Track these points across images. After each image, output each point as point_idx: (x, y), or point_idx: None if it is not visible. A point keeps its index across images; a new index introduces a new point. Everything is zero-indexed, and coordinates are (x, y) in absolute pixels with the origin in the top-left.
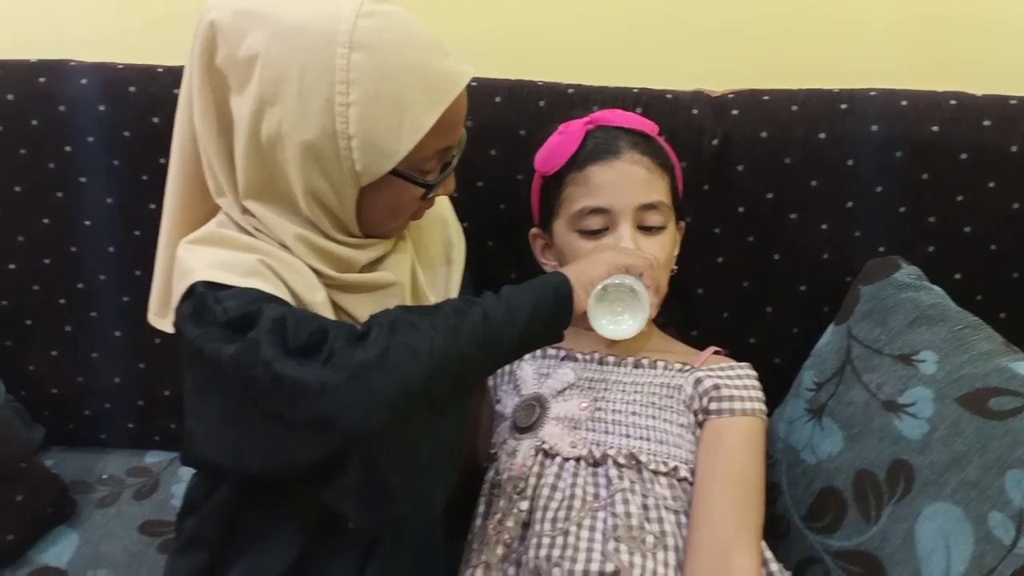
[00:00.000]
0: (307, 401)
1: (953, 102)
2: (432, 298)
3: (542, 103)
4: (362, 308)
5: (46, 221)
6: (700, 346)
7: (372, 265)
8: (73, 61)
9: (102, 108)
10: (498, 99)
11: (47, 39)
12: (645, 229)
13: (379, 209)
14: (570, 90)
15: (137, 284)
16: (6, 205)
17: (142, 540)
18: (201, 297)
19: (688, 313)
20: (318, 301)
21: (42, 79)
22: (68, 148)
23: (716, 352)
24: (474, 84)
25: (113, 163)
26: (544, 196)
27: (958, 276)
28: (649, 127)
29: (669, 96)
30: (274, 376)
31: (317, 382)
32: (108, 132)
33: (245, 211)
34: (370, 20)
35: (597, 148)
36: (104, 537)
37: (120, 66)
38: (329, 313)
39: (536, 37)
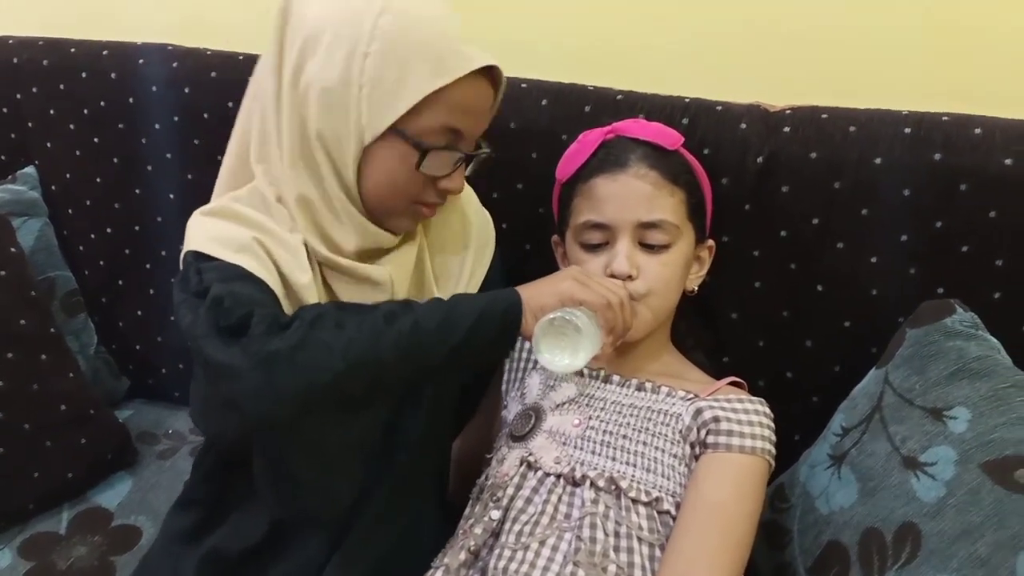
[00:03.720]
0: (220, 382)
1: None
2: (441, 290)
3: (587, 108)
4: (348, 296)
5: (138, 191)
6: (731, 375)
7: (372, 256)
8: (171, 46)
9: (187, 91)
10: (544, 102)
11: (157, 24)
12: (647, 247)
13: (379, 176)
14: (618, 96)
15: None
16: (106, 174)
17: None
18: (188, 266)
19: (719, 338)
20: (304, 282)
21: (141, 60)
22: (157, 126)
23: (734, 383)
24: (523, 86)
25: (194, 142)
26: (560, 204)
27: None
28: (670, 140)
29: (719, 108)
30: (201, 353)
31: (228, 365)
32: (190, 113)
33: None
34: None
35: (606, 160)
36: (154, 487)
37: (208, 52)
38: (313, 295)
39: (605, 42)
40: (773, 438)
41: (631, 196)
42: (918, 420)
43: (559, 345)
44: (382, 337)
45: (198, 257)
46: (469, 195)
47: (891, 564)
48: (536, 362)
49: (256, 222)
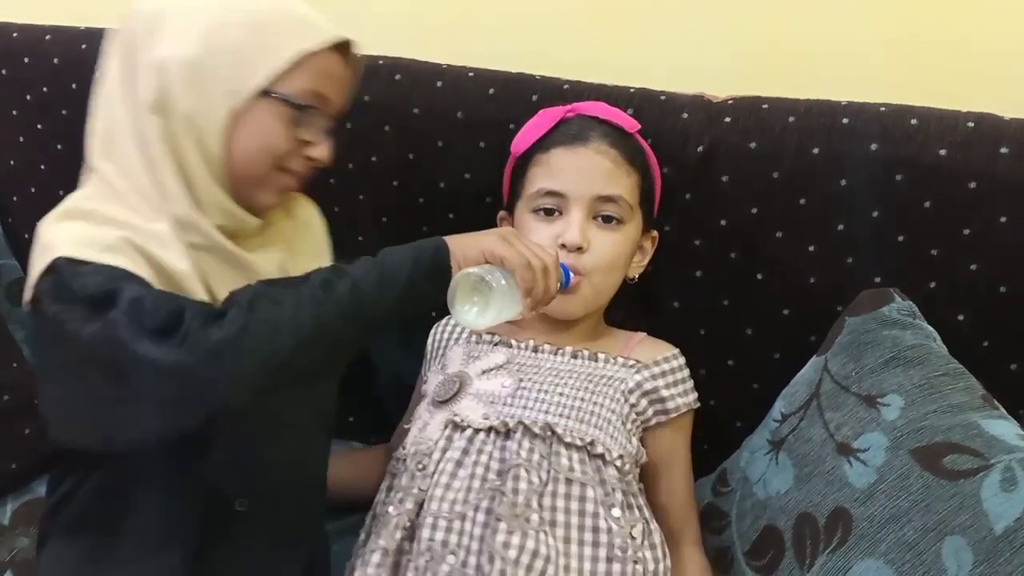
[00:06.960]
0: (167, 381)
1: (971, 124)
2: None
3: (535, 97)
4: (223, 281)
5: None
6: None
7: (244, 245)
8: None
9: None
10: (492, 91)
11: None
12: (600, 220)
13: (250, 139)
14: (565, 86)
15: None
16: (51, 161)
17: None
18: (61, 273)
19: (658, 324)
20: (185, 269)
21: (84, 45)
22: None
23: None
24: (470, 75)
25: None
26: (513, 177)
27: (961, 317)
28: (629, 124)
29: (663, 98)
30: (133, 357)
31: (174, 363)
32: None
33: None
34: None
35: (567, 133)
36: None
37: None
38: (196, 283)
39: (568, 33)
40: (691, 383)
41: (591, 169)
42: (853, 407)
43: (472, 300)
44: (323, 305)
45: (70, 263)
46: (310, 202)
47: (823, 548)
48: (459, 336)
49: (115, 219)
